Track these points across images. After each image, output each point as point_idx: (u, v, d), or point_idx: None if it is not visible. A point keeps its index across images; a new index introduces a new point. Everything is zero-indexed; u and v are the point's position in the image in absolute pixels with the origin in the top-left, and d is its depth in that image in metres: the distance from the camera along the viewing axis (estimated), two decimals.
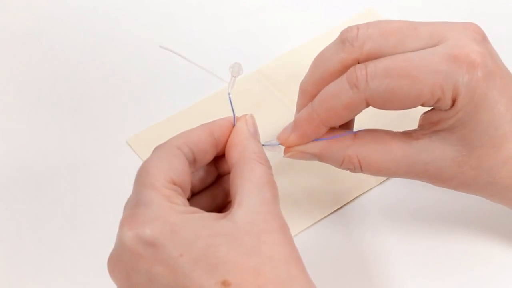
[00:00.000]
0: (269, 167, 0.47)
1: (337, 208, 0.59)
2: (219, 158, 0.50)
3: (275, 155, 0.52)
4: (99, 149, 0.64)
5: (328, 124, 0.49)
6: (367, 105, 0.48)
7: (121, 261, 0.43)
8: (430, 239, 0.57)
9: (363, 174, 0.59)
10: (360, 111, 0.48)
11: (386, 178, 0.60)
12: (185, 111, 0.65)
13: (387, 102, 0.47)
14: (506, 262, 0.56)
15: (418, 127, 0.50)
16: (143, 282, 0.42)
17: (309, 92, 0.50)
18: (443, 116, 0.47)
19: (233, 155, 0.48)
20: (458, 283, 0.55)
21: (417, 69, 0.46)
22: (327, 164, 0.60)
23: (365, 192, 0.60)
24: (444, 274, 0.55)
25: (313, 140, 0.51)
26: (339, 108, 0.48)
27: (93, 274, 0.56)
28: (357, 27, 0.48)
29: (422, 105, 0.47)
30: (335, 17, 0.72)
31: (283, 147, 0.52)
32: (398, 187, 0.60)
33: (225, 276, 0.41)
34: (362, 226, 0.58)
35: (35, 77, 0.69)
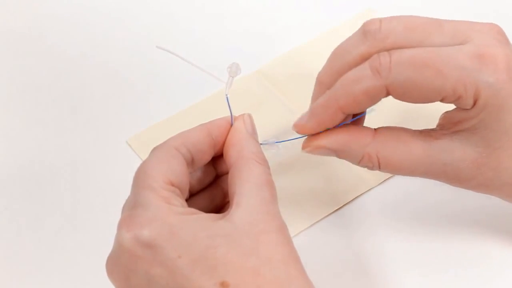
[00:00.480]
0: (268, 167, 0.47)
1: (337, 208, 0.59)
2: (217, 158, 0.50)
3: (275, 155, 0.52)
4: (99, 149, 0.64)
5: (346, 111, 0.47)
6: (387, 94, 0.46)
7: (119, 263, 0.43)
8: (430, 239, 0.57)
9: (363, 174, 0.60)
10: (379, 99, 0.47)
11: (385, 178, 0.60)
12: (185, 111, 0.66)
13: (407, 92, 0.46)
14: (506, 261, 0.56)
15: (438, 126, 0.49)
16: (142, 284, 0.42)
17: (326, 84, 0.49)
18: (465, 116, 0.47)
19: (231, 155, 0.47)
20: (458, 283, 0.55)
21: (442, 62, 0.45)
22: (326, 164, 0.61)
23: (365, 192, 0.60)
24: (444, 274, 0.55)
25: (328, 130, 0.49)
26: (358, 94, 0.46)
27: (93, 274, 0.55)
28: (380, 20, 0.47)
29: (442, 100, 0.46)
30: (335, 17, 0.72)
31: (281, 145, 0.52)
32: (398, 187, 0.60)
33: (224, 277, 0.41)
34: (362, 226, 0.58)
35: (35, 77, 0.69)
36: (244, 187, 0.45)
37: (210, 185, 0.51)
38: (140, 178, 0.45)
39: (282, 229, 0.44)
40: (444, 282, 0.55)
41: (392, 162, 0.49)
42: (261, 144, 0.49)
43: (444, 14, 0.73)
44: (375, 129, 0.50)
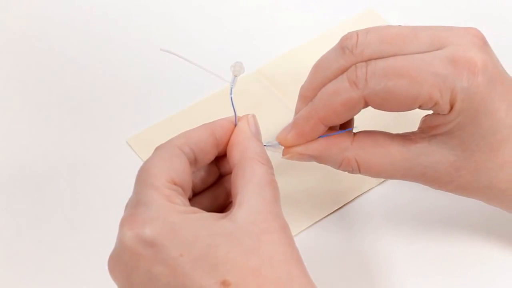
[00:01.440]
0: (271, 167, 0.47)
1: (337, 208, 0.59)
2: (221, 158, 0.50)
3: (276, 155, 0.52)
4: (99, 149, 0.64)
5: (326, 122, 0.49)
6: (366, 105, 0.48)
7: (121, 261, 0.43)
8: (430, 239, 0.57)
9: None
10: (359, 110, 0.48)
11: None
12: (185, 111, 0.65)
13: (385, 102, 0.47)
14: (506, 263, 0.56)
15: (418, 129, 0.50)
16: (143, 282, 0.42)
17: (308, 97, 0.50)
18: (442, 121, 0.47)
19: (235, 155, 0.48)
20: (457, 283, 0.55)
21: (416, 69, 0.46)
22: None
23: (365, 192, 0.60)
24: (444, 274, 0.55)
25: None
26: (338, 106, 0.48)
27: (93, 274, 0.55)
28: (357, 33, 0.48)
29: (420, 107, 0.47)
30: (335, 17, 0.72)
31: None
32: (398, 187, 0.60)
33: (225, 276, 0.41)
34: (362, 226, 0.58)
35: (35, 77, 0.69)
36: (247, 187, 0.45)
37: (213, 185, 0.51)
38: (142, 177, 0.45)
39: (284, 229, 0.44)
40: (444, 282, 0.55)
41: (371, 166, 0.50)
42: (264, 145, 0.50)
43: (444, 15, 0.73)
44: (354, 133, 0.50)
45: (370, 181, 0.60)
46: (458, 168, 0.48)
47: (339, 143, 0.50)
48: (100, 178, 0.61)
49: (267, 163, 0.47)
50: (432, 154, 0.48)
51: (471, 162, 0.48)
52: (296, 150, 0.51)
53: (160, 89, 0.68)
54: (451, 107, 0.46)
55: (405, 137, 0.50)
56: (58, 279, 0.56)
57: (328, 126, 0.50)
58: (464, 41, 0.47)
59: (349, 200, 0.59)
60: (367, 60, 0.47)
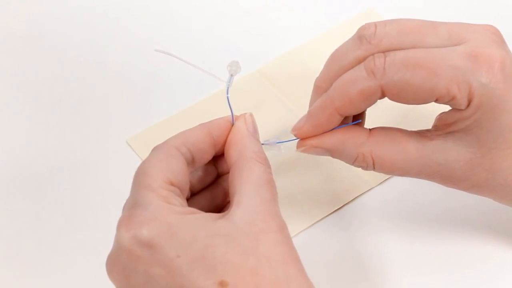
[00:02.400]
0: (268, 167, 0.47)
1: (337, 208, 0.59)
2: (219, 158, 0.50)
3: (275, 155, 0.52)
4: (99, 149, 0.64)
5: (342, 112, 0.48)
6: (383, 95, 0.47)
7: (119, 262, 0.43)
8: (430, 239, 0.57)
9: (363, 174, 0.60)
10: (375, 100, 0.47)
11: (385, 178, 0.60)
12: (185, 111, 0.65)
13: (402, 93, 0.46)
14: (507, 261, 0.56)
15: (433, 127, 0.49)
16: (141, 283, 0.42)
17: (324, 88, 0.49)
18: (459, 117, 0.47)
19: (232, 154, 0.47)
20: (458, 282, 0.55)
21: (435, 62, 0.45)
22: (326, 164, 0.61)
23: (365, 192, 0.60)
24: (444, 273, 0.55)
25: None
26: (354, 95, 0.47)
27: (92, 274, 0.55)
28: (375, 24, 0.48)
29: (436, 101, 0.47)
30: (335, 17, 0.72)
31: (282, 146, 0.52)
32: (398, 187, 0.60)
33: (223, 276, 0.41)
34: (361, 226, 0.58)
35: (35, 77, 0.69)
36: (244, 187, 0.45)
37: (211, 185, 0.51)
38: (139, 178, 0.45)
39: (282, 228, 0.44)
40: (445, 282, 0.55)
41: (386, 162, 0.49)
42: (262, 144, 0.49)
43: (444, 15, 0.73)
44: (370, 129, 0.50)
45: (370, 181, 0.60)
46: (474, 166, 0.48)
47: (355, 138, 0.49)
48: (100, 178, 0.62)
49: (265, 162, 0.47)
50: (447, 151, 0.48)
51: (487, 159, 0.48)
52: (311, 143, 0.50)
53: (160, 89, 0.68)
54: (469, 102, 0.46)
55: (421, 134, 0.49)
56: (58, 279, 0.56)
57: (343, 116, 0.49)
58: (483, 38, 0.46)
59: (349, 200, 0.59)
60: (385, 51, 0.47)
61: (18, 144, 0.64)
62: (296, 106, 0.64)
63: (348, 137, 0.49)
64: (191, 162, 0.47)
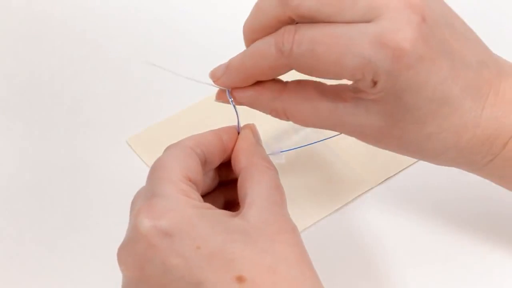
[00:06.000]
0: (277, 173, 0.47)
1: (337, 208, 0.59)
2: (221, 166, 0.50)
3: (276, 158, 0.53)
4: (99, 149, 0.64)
5: (256, 79, 0.49)
6: (291, 69, 0.47)
7: (134, 252, 0.43)
8: (430, 239, 0.57)
9: (363, 174, 0.60)
10: (286, 72, 0.48)
11: (386, 178, 0.60)
12: (185, 111, 0.66)
13: (309, 71, 0.46)
14: (507, 260, 0.56)
15: (350, 86, 0.48)
16: (157, 275, 0.42)
17: (248, 37, 0.49)
18: (367, 90, 0.46)
19: (241, 160, 0.48)
20: (459, 282, 0.55)
21: (341, 48, 0.44)
22: (326, 164, 0.61)
23: (365, 192, 0.60)
24: (444, 273, 0.55)
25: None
26: (265, 68, 0.47)
27: (93, 274, 0.56)
28: None
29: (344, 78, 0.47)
30: None
31: (283, 156, 0.53)
32: (398, 187, 0.60)
33: (241, 271, 0.41)
34: (361, 226, 0.58)
35: (34, 77, 0.69)
36: (256, 190, 0.45)
37: (211, 192, 0.51)
38: (158, 172, 0.45)
39: (295, 231, 0.44)
40: (445, 282, 0.55)
41: (298, 119, 0.49)
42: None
43: None
44: (286, 82, 0.49)
45: (370, 181, 0.60)
46: (385, 134, 0.48)
47: (269, 93, 0.49)
48: (100, 178, 0.62)
49: (274, 168, 0.47)
50: (358, 116, 0.48)
51: (397, 129, 0.47)
52: (227, 97, 0.50)
53: (160, 89, 0.68)
54: (374, 84, 0.45)
55: (336, 93, 0.48)
56: (58, 279, 0.56)
57: (257, 80, 0.49)
58: (400, 17, 0.44)
59: (349, 200, 0.59)
60: (301, 16, 0.46)
61: (18, 144, 0.64)
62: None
63: (262, 92, 0.49)
64: (203, 164, 0.47)
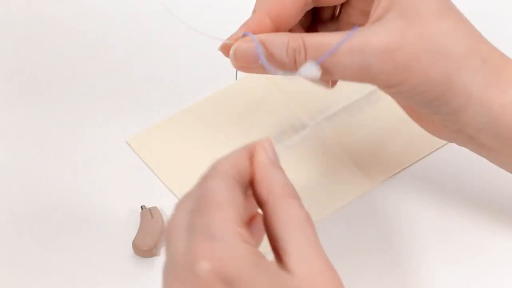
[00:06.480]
0: (299, 199, 0.45)
1: (337, 208, 0.59)
2: None
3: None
4: (99, 149, 0.64)
5: (273, 18, 0.50)
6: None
7: None
8: (430, 239, 0.57)
9: (363, 174, 0.60)
10: (306, 9, 0.50)
11: (386, 178, 0.60)
12: (185, 111, 0.65)
13: None
14: (507, 260, 0.56)
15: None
16: None
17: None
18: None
19: (261, 193, 0.45)
20: (460, 282, 0.55)
21: None
22: (327, 164, 0.61)
23: (366, 192, 0.60)
24: (445, 273, 0.55)
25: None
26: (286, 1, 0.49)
27: (93, 274, 0.56)
28: None
29: None
30: None
31: (315, 67, 0.50)
32: (398, 187, 0.60)
33: None
34: (361, 226, 0.58)
35: (34, 76, 0.69)
36: (286, 232, 0.42)
37: None
38: (211, 207, 0.42)
39: (334, 274, 0.43)
40: (445, 282, 0.55)
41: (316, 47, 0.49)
42: (281, 75, 0.49)
43: None
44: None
45: (370, 181, 0.60)
46: (405, 32, 0.48)
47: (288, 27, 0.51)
48: (100, 178, 0.62)
49: (295, 195, 0.45)
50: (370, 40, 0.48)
51: (416, 27, 0.48)
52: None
53: (160, 89, 0.68)
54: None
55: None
56: (58, 279, 0.56)
57: (275, 22, 0.50)
58: None
59: (349, 200, 0.59)
60: None
61: (18, 143, 0.64)
62: (296, 106, 0.64)
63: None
64: (244, 195, 0.44)
